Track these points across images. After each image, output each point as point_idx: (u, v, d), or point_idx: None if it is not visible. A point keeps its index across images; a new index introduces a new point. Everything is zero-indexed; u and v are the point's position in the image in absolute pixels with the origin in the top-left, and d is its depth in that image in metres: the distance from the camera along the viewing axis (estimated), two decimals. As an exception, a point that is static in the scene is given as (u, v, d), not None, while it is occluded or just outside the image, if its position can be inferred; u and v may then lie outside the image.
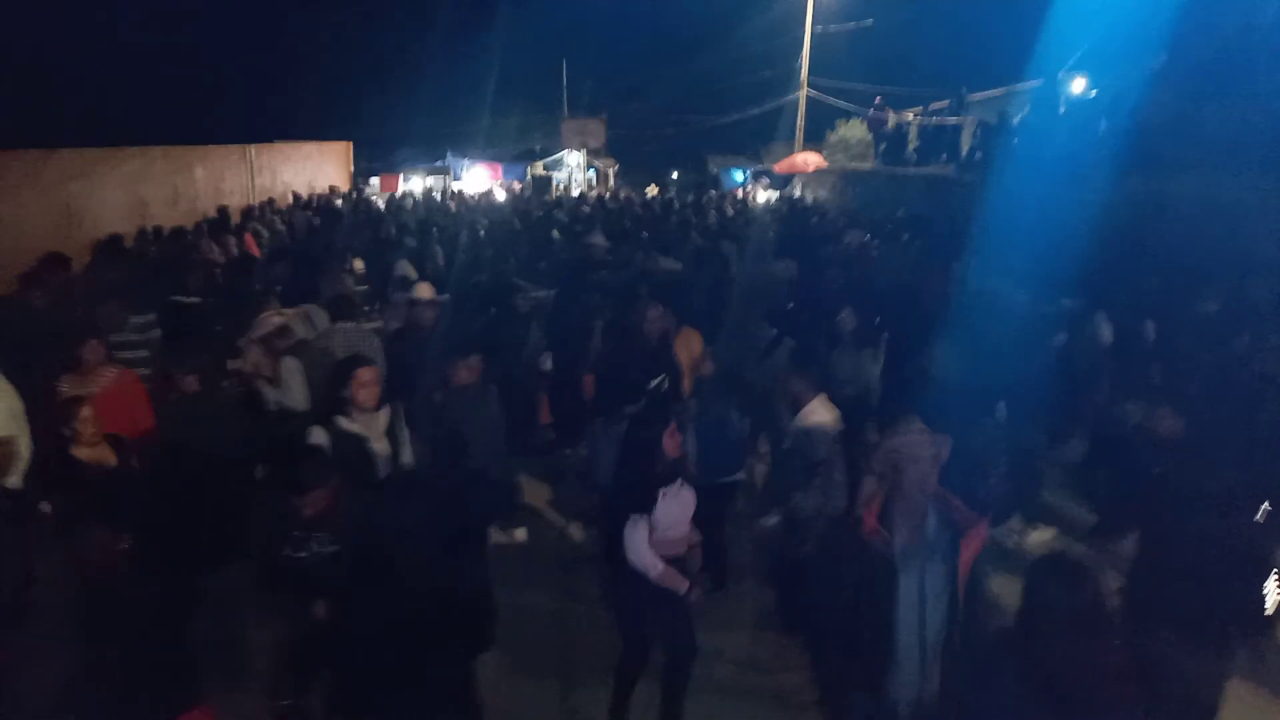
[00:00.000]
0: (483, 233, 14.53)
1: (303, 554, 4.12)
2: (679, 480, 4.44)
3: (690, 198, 25.06)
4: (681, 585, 4.31)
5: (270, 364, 5.86)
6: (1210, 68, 12.28)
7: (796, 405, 5.50)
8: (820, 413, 5.44)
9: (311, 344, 6.42)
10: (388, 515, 3.95)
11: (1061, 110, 16.95)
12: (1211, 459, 4.59)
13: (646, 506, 4.33)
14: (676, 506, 4.40)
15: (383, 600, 3.58)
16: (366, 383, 4.85)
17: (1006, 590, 4.57)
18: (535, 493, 7.49)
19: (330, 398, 4.90)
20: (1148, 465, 4.69)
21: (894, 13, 31.87)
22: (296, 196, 21.31)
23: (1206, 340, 7.14)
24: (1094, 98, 16.26)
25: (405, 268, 9.40)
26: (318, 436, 4.67)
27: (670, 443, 4.43)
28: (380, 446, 4.85)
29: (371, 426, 4.86)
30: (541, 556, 6.54)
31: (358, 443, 4.76)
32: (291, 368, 5.91)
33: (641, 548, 4.26)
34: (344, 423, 4.79)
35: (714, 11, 39.51)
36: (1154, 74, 13.19)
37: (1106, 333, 7.52)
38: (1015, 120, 17.93)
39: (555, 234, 14.57)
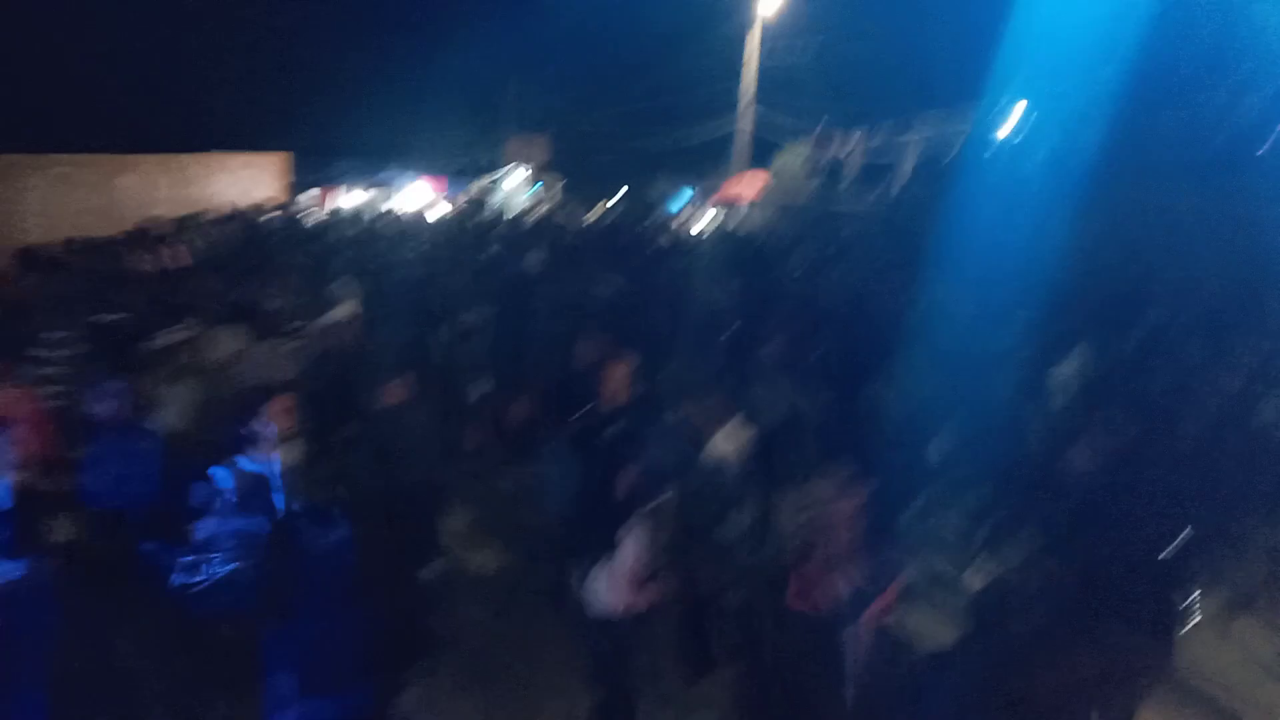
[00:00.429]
0: (424, 247, 14.26)
1: (198, 579, 3.83)
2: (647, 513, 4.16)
3: (636, 217, 25.03)
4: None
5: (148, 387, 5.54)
6: (1150, 91, 12.58)
7: (700, 436, 5.26)
8: (724, 444, 5.22)
9: (221, 364, 6.11)
10: (303, 542, 3.75)
11: (999, 138, 17.28)
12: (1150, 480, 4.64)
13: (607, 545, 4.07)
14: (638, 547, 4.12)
15: (298, 629, 3.41)
16: (279, 413, 4.61)
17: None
18: (470, 518, 7.25)
19: (234, 430, 4.62)
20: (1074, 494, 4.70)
21: (839, 39, 32.34)
22: (232, 208, 20.70)
23: (1149, 358, 7.26)
24: (1032, 125, 16.61)
25: (344, 283, 9.10)
26: (221, 479, 4.40)
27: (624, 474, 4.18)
28: (290, 480, 4.61)
29: (284, 457, 4.62)
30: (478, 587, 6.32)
31: (260, 483, 4.50)
32: (176, 393, 5.58)
33: (604, 590, 4.02)
34: (246, 463, 4.52)
35: (662, 34, 39.71)
36: (1092, 104, 13.49)
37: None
38: (955, 149, 18.23)
39: (495, 249, 14.34)
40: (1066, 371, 7.42)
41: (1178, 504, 4.34)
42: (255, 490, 4.44)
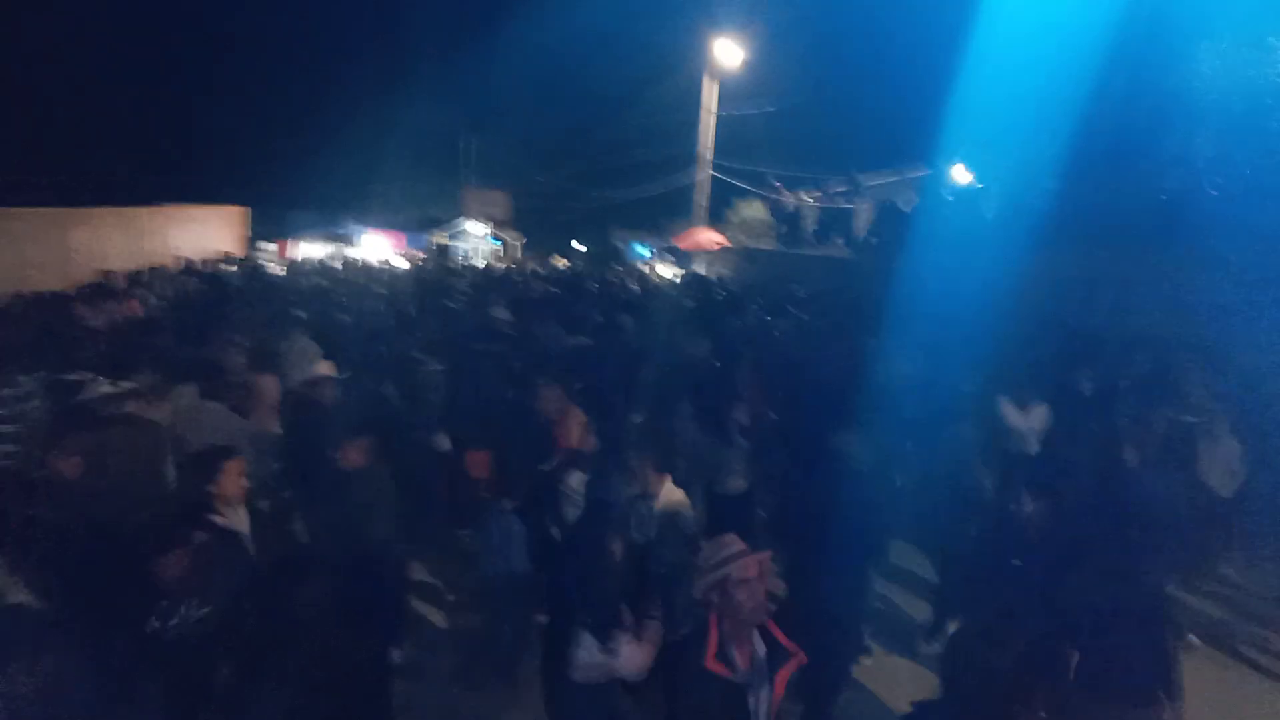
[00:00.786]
0: (382, 305, 14.20)
1: (173, 621, 3.85)
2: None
3: (596, 272, 25.20)
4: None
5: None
6: (1089, 157, 13.09)
7: (649, 489, 5.21)
8: (676, 494, 5.22)
9: (168, 424, 6.02)
10: (273, 598, 3.76)
11: (950, 196, 17.80)
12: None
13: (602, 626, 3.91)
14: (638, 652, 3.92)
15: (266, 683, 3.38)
16: (234, 474, 4.59)
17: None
18: (430, 577, 7.16)
19: (194, 488, 4.58)
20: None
21: (793, 98, 33.15)
22: (187, 262, 20.47)
23: (1086, 416, 7.42)
24: (979, 187, 17.14)
25: (302, 341, 8.99)
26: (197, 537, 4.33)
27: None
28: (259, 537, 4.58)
29: (239, 521, 4.57)
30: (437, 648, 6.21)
31: (234, 539, 4.45)
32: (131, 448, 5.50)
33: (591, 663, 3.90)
34: (219, 519, 4.49)
35: (619, 89, 40.39)
36: (1036, 163, 13.98)
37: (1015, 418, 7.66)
38: (907, 205, 18.70)
39: (449, 304, 14.33)
40: (1022, 425, 7.58)
41: (1127, 551, 4.47)
42: (226, 545, 4.41)
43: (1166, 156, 13.34)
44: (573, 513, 5.57)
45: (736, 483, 6.76)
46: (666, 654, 3.53)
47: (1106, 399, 8.06)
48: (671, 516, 5.10)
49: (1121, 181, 13.18)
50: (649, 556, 5.02)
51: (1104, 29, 12.54)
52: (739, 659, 3.28)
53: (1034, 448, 7.37)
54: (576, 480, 5.91)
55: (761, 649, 3.34)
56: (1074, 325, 10.93)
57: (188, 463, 4.93)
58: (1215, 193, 11.99)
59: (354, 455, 5.37)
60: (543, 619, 5.27)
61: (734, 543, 3.44)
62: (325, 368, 7.15)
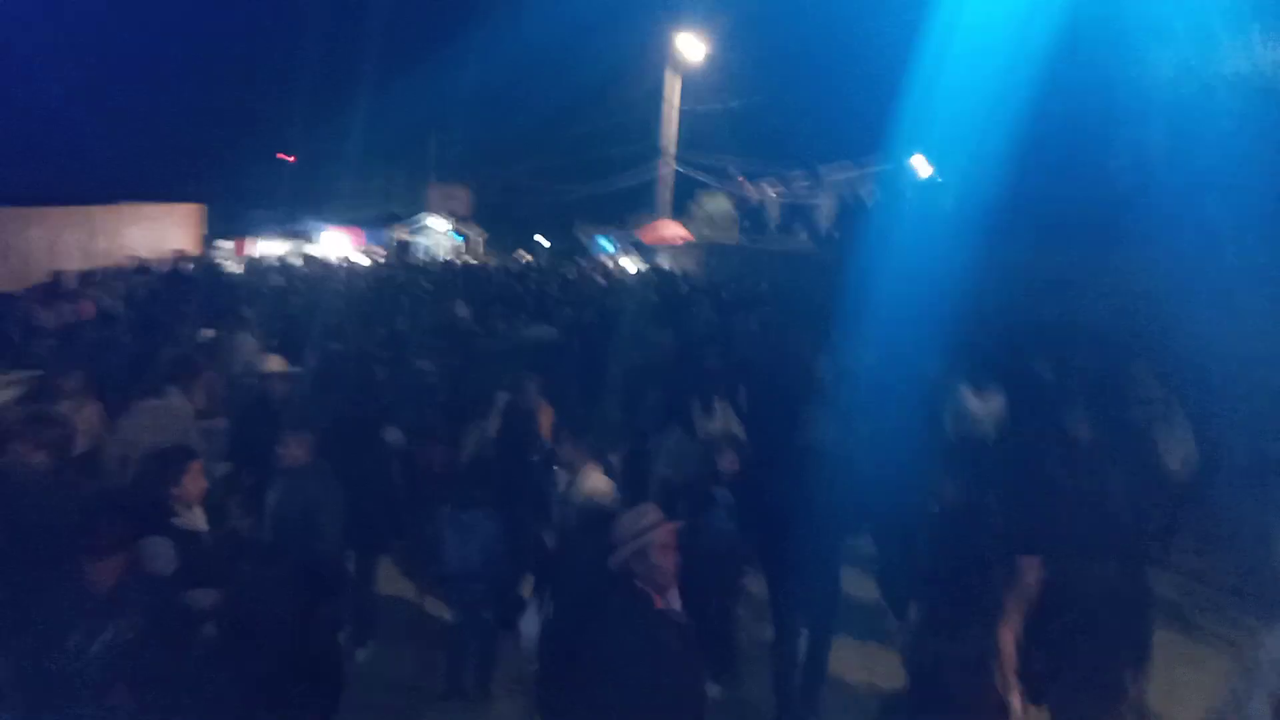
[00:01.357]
0: (340, 301, 14.05)
1: (94, 647, 3.62)
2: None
3: (561, 266, 25.17)
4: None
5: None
6: (1045, 150, 13.29)
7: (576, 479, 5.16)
8: (597, 481, 5.16)
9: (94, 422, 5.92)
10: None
11: (910, 190, 17.98)
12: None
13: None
14: None
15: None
16: (196, 475, 4.54)
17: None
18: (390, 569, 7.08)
19: (153, 493, 4.48)
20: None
21: (755, 92, 33.22)
22: (140, 261, 20.10)
23: (1040, 408, 7.53)
24: (939, 180, 17.33)
25: (247, 339, 8.86)
26: (159, 545, 4.24)
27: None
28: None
29: (197, 521, 4.52)
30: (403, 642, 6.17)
31: (197, 541, 4.38)
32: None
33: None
34: (181, 522, 4.42)
35: (581, 83, 40.24)
36: (993, 157, 14.15)
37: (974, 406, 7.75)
38: (868, 199, 18.87)
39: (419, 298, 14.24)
40: (980, 411, 7.68)
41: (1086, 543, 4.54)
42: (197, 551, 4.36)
43: (1120, 150, 13.58)
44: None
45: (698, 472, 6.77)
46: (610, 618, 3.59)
47: (1063, 387, 8.19)
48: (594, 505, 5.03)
49: (1076, 175, 13.39)
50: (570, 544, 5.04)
51: (1059, 24, 12.71)
52: (668, 615, 3.56)
53: (992, 433, 7.47)
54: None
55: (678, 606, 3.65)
56: (1030, 317, 11.08)
57: (147, 463, 4.81)
58: (1168, 187, 12.22)
59: (297, 451, 5.23)
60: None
61: (651, 511, 3.66)
62: (275, 363, 7.02)
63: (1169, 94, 12.33)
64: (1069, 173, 13.26)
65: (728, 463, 5.76)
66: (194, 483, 4.57)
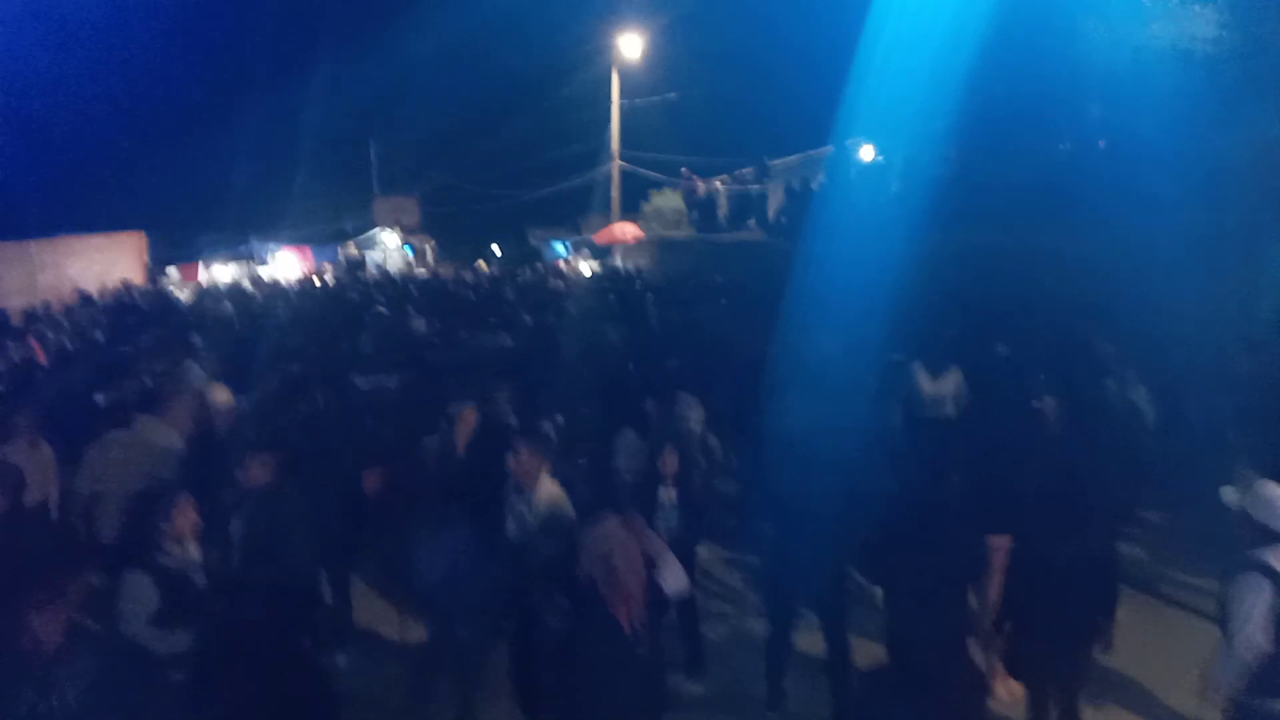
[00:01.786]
0: (295, 322, 13.88)
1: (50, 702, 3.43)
2: None
3: (517, 272, 25.09)
4: None
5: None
6: (986, 126, 13.51)
7: (527, 482, 5.15)
8: (551, 488, 5.16)
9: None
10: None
11: (854, 174, 18.16)
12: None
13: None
14: None
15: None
16: (186, 509, 4.51)
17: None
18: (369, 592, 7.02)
19: (144, 530, 4.44)
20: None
21: (697, 86, 33.41)
22: (82, 294, 19.68)
23: (1002, 385, 7.66)
24: (883, 162, 17.52)
25: (191, 369, 8.63)
26: (138, 583, 4.18)
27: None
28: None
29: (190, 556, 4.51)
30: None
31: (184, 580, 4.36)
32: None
33: None
34: (168, 560, 4.39)
35: (524, 87, 40.16)
36: (935, 136, 14.36)
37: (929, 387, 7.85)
38: (815, 185, 19.02)
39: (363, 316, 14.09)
40: (935, 391, 7.79)
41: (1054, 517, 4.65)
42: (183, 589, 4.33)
43: (1060, 124, 13.86)
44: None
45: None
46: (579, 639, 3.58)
47: (1022, 363, 8.32)
48: (551, 509, 5.09)
49: (1018, 151, 13.63)
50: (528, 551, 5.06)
51: (992, 4, 12.93)
52: (634, 622, 3.50)
53: (950, 412, 7.59)
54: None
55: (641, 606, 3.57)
56: (982, 294, 11.23)
57: (134, 500, 4.76)
58: (1108, 157, 12.50)
59: (258, 472, 5.16)
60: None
61: (613, 525, 3.62)
62: (220, 394, 6.89)
63: (1102, 66, 12.60)
64: (1011, 149, 13.50)
65: (669, 464, 5.75)
66: (185, 517, 4.51)
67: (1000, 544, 4.97)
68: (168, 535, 4.44)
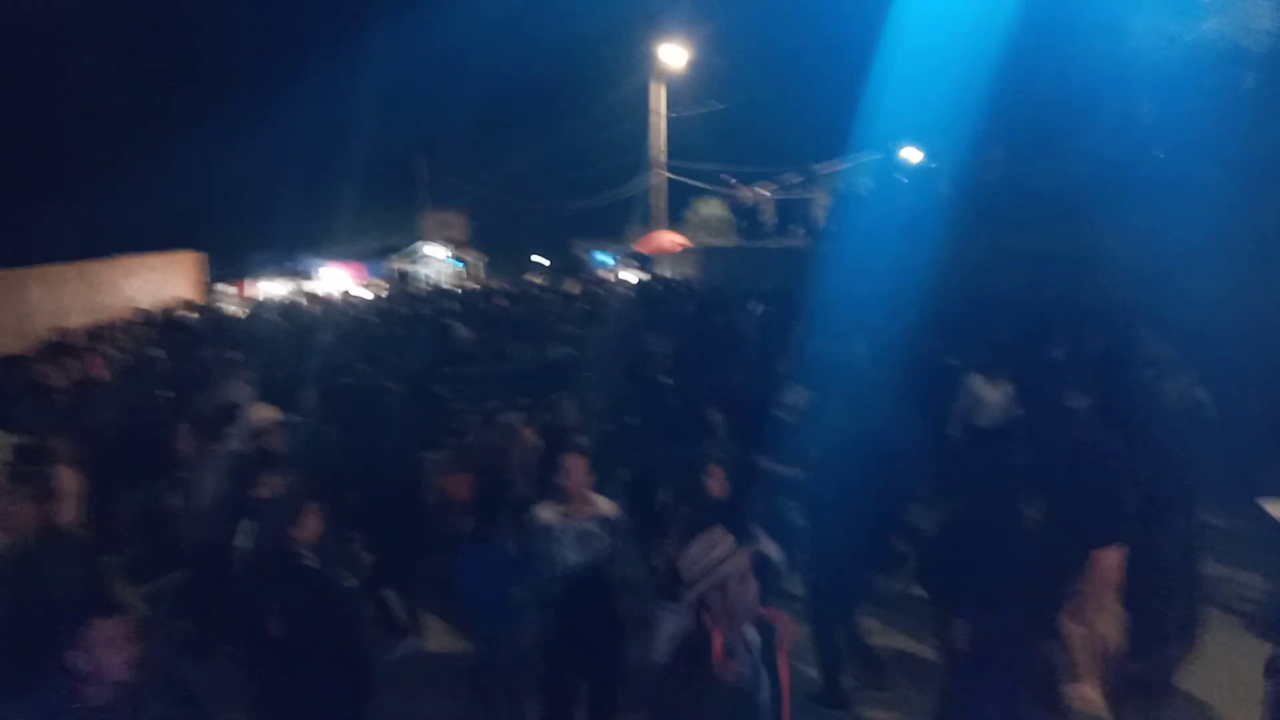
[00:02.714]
0: (341, 335, 14.07)
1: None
2: None
3: (563, 283, 25.27)
4: None
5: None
6: (1033, 127, 13.28)
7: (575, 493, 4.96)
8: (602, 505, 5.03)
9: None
10: None
11: (903, 179, 17.97)
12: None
13: None
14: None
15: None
16: (315, 515, 4.61)
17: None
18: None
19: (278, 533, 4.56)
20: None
21: (741, 95, 33.31)
22: (144, 313, 20.20)
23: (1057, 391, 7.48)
24: (931, 166, 17.31)
25: (237, 386, 8.65)
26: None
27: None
28: None
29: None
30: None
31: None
32: None
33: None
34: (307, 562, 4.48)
35: (567, 100, 40.39)
36: (983, 138, 14.15)
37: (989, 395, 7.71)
38: (862, 190, 18.86)
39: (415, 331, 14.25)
40: (992, 397, 7.65)
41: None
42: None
43: (1108, 121, 13.56)
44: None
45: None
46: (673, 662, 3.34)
47: (1077, 367, 8.14)
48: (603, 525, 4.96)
49: (1067, 151, 13.37)
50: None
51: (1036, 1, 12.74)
52: (741, 653, 3.20)
53: (1004, 419, 7.44)
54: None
55: (757, 639, 3.25)
56: (1035, 297, 11.04)
57: (270, 508, 4.83)
58: (1160, 155, 12.20)
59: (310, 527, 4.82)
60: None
61: (723, 537, 3.30)
62: (266, 413, 6.89)
63: (1150, 62, 12.32)
64: (1059, 149, 13.25)
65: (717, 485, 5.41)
66: (314, 524, 4.58)
67: (1103, 558, 4.88)
68: (298, 541, 4.49)
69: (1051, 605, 4.47)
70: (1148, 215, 10.77)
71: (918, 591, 6.53)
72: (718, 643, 3.17)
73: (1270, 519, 3.84)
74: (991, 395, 7.63)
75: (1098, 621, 5.19)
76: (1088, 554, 5.00)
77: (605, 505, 4.98)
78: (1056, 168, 13.21)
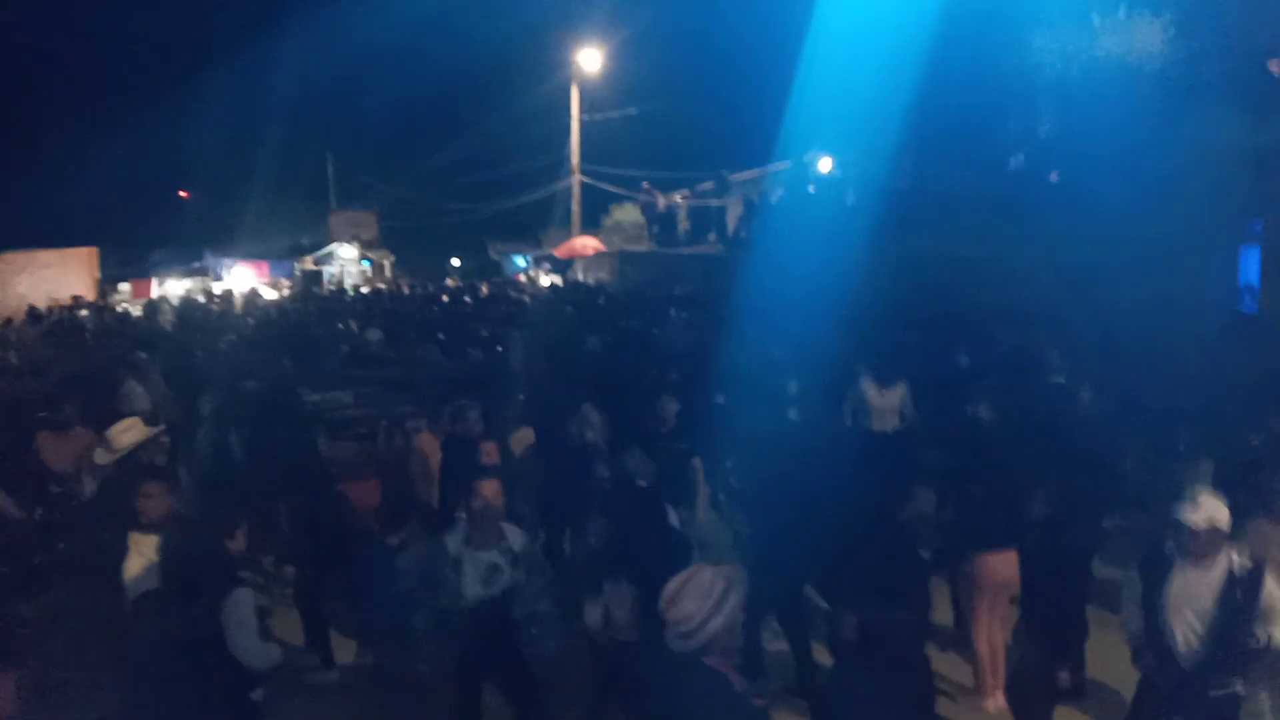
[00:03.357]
0: (248, 335, 13.66)
1: None
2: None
3: (476, 285, 25.03)
4: None
5: None
6: (940, 138, 13.72)
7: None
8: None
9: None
10: None
11: (812, 187, 18.34)
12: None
13: None
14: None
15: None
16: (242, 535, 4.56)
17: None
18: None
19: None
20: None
21: (656, 101, 33.53)
22: (33, 310, 19.22)
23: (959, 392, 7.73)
24: (839, 175, 17.72)
25: (133, 389, 8.25)
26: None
27: None
28: None
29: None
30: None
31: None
32: None
33: None
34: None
35: (482, 102, 40.11)
36: (891, 148, 14.55)
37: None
38: (773, 198, 19.18)
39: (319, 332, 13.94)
40: (880, 404, 7.85)
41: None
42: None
43: (1012, 133, 14.11)
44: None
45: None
46: None
47: (980, 372, 8.41)
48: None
49: (972, 161, 13.85)
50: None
51: (944, 15, 13.14)
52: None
53: (893, 424, 7.66)
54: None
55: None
56: (939, 303, 11.37)
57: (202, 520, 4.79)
58: (1060, 165, 12.75)
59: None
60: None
61: (712, 576, 3.05)
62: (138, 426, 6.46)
63: (1052, 76, 12.87)
64: (965, 159, 13.71)
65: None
66: (241, 541, 4.57)
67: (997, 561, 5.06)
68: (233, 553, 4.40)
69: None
70: (1051, 223, 11.24)
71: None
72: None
73: (1175, 521, 4.03)
74: (880, 400, 7.81)
75: (994, 628, 5.40)
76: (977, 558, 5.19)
77: (514, 536, 4.81)
78: (963, 176, 13.66)
